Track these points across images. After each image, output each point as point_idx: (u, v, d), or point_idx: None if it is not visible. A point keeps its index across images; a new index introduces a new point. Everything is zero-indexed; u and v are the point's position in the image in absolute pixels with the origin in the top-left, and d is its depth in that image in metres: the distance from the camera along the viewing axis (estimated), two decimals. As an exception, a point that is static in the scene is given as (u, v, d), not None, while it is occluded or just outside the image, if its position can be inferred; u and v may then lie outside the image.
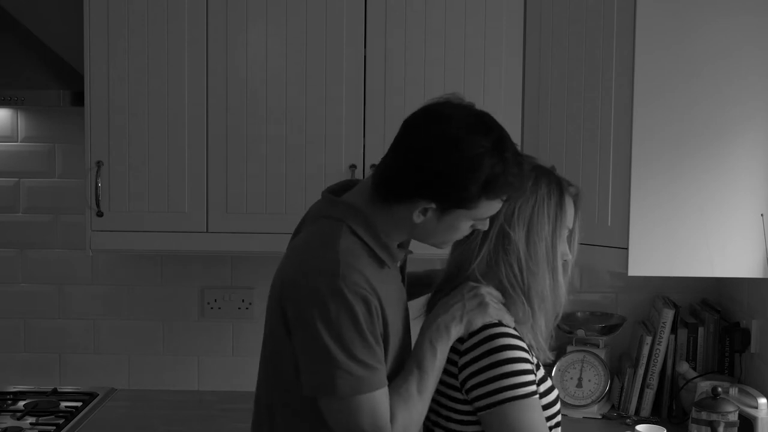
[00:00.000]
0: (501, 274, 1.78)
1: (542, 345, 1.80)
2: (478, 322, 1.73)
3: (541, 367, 1.80)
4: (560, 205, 1.80)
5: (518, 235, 1.77)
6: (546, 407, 1.76)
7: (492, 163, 1.62)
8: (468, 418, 1.74)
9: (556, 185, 1.81)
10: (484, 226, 1.74)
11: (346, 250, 1.65)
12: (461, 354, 1.73)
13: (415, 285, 2.02)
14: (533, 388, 1.70)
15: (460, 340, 1.74)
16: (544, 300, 1.79)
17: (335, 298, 1.61)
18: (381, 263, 1.71)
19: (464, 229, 1.72)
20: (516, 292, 1.78)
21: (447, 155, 1.62)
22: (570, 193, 1.84)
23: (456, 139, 1.62)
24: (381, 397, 1.66)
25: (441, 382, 1.77)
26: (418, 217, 1.68)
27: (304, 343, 1.65)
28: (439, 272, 1.95)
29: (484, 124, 1.67)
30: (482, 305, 1.74)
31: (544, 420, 1.73)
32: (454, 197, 1.65)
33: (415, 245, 1.86)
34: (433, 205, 1.66)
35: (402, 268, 1.86)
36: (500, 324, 1.73)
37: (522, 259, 1.77)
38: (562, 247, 1.81)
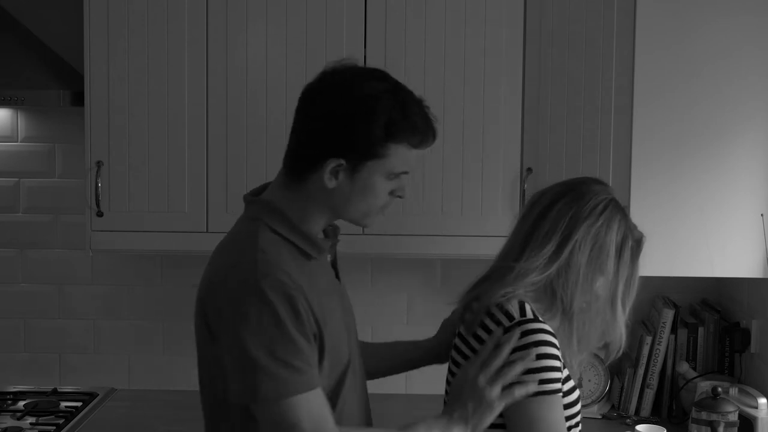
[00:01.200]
0: (553, 279, 1.79)
1: (572, 365, 1.82)
2: (486, 423, 1.72)
3: (565, 367, 1.81)
4: (625, 243, 1.83)
5: (582, 254, 1.78)
6: (567, 406, 1.77)
7: (390, 104, 1.62)
8: None
9: (626, 225, 1.84)
10: (403, 191, 1.71)
11: (264, 248, 1.61)
12: None
13: (430, 354, 2.02)
14: (558, 386, 1.72)
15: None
16: (589, 328, 1.81)
17: (255, 298, 1.55)
18: (306, 255, 1.66)
19: (382, 190, 1.67)
20: (556, 302, 1.79)
21: (342, 101, 1.62)
22: (634, 236, 1.86)
23: (350, 86, 1.64)
24: (314, 399, 1.58)
25: None
26: (330, 181, 1.63)
27: (226, 348, 1.59)
28: (441, 340, 1.97)
29: (378, 73, 1.68)
30: (489, 407, 1.70)
31: (564, 419, 1.74)
32: (359, 145, 1.62)
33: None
34: (343, 162, 1.62)
35: (333, 264, 1.81)
36: (536, 320, 1.74)
37: (580, 276, 1.78)
38: (622, 284, 1.83)
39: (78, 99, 2.70)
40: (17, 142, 3.06)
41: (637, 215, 2.32)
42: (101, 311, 3.11)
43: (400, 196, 1.72)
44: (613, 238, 1.80)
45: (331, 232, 1.79)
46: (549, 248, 1.78)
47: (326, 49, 2.64)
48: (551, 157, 2.56)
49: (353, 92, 1.62)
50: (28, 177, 3.06)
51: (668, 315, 2.76)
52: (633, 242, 1.86)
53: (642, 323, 2.93)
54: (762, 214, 2.34)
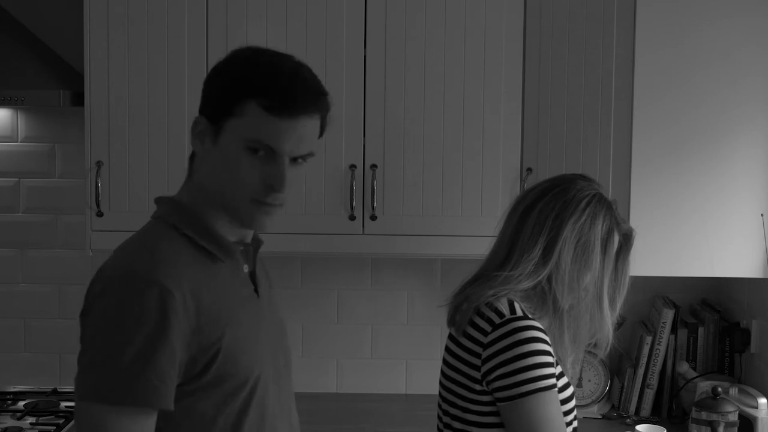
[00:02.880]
0: (542, 278, 1.80)
1: (566, 363, 1.82)
2: None
3: (560, 364, 1.82)
4: (610, 237, 1.83)
5: (567, 252, 1.79)
6: (561, 403, 1.77)
7: (253, 60, 1.51)
8: (486, 409, 1.76)
9: (611, 219, 1.83)
10: (274, 179, 1.47)
11: (156, 246, 1.48)
12: (485, 346, 1.75)
13: None
14: (553, 381, 1.73)
15: (484, 332, 1.75)
16: (579, 325, 1.82)
17: (125, 294, 1.41)
18: (211, 257, 1.51)
19: (241, 163, 1.47)
20: (547, 302, 1.80)
21: (218, 69, 1.54)
22: (622, 230, 1.86)
23: (229, 57, 1.55)
24: (140, 420, 1.39)
25: (461, 373, 1.80)
26: (197, 145, 1.52)
27: (83, 338, 1.48)
28: None
29: (269, 50, 1.56)
30: None
31: (561, 414, 1.75)
32: (214, 98, 1.51)
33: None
34: (204, 120, 1.50)
35: (252, 275, 1.62)
36: (525, 317, 1.75)
37: (567, 275, 1.79)
38: (608, 278, 1.83)
39: (78, 99, 2.70)
40: (17, 142, 3.06)
41: (637, 215, 2.33)
42: (101, 311, 3.10)
43: (271, 186, 1.48)
44: (597, 233, 1.80)
45: (250, 243, 1.62)
46: (536, 252, 1.79)
47: (326, 49, 2.64)
48: (551, 157, 2.56)
49: (230, 60, 1.54)
50: (28, 177, 3.06)
51: (668, 315, 2.76)
52: (621, 237, 1.86)
53: (642, 323, 2.93)
54: (762, 214, 2.34)
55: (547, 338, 1.75)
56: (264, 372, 1.55)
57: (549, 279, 1.79)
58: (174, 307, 1.41)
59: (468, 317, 1.80)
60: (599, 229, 1.81)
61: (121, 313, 1.40)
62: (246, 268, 1.60)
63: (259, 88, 1.47)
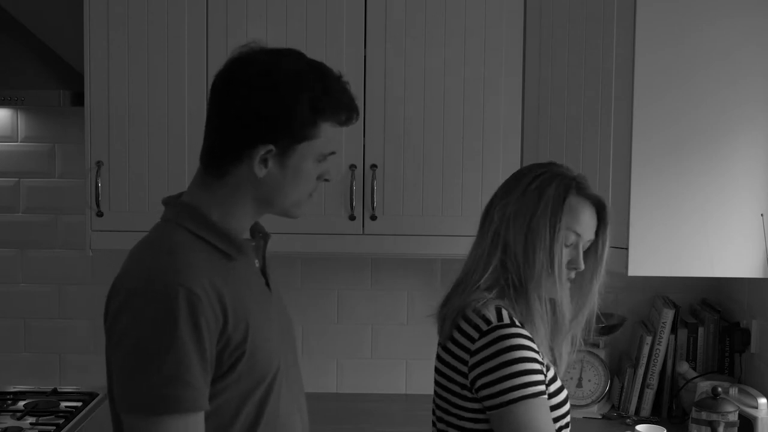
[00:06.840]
0: (501, 276, 1.79)
1: (561, 354, 1.82)
2: None
3: (552, 368, 1.81)
4: (557, 201, 1.77)
5: (517, 239, 1.77)
6: (555, 407, 1.77)
7: (313, 79, 1.53)
8: (479, 416, 1.76)
9: (564, 188, 1.79)
10: (329, 174, 1.60)
11: (174, 250, 1.49)
12: (472, 354, 1.74)
13: None
14: (541, 387, 1.71)
15: (471, 339, 1.75)
16: (541, 310, 1.80)
17: (155, 303, 1.42)
18: (226, 256, 1.53)
19: (312, 175, 1.56)
20: (516, 294, 1.79)
21: (265, 85, 1.50)
22: (591, 199, 1.82)
23: (267, 67, 1.52)
24: (193, 424, 1.43)
25: (451, 381, 1.79)
26: (260, 170, 1.51)
27: (116, 351, 1.47)
28: None
29: (291, 51, 1.58)
30: None
31: (551, 420, 1.74)
32: (288, 127, 1.50)
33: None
34: (272, 148, 1.50)
35: (264, 271, 1.65)
36: (512, 324, 1.74)
37: (520, 263, 1.77)
38: (568, 255, 1.80)
39: (78, 99, 2.70)
40: (17, 142, 3.06)
41: (637, 215, 2.34)
42: (101, 311, 3.08)
43: (327, 180, 1.61)
44: (548, 200, 1.76)
45: (260, 238, 1.66)
46: (486, 239, 1.80)
47: (326, 49, 2.63)
48: (551, 157, 2.55)
49: (272, 73, 1.51)
50: (28, 177, 3.06)
51: (668, 315, 2.76)
52: (580, 201, 1.80)
53: (642, 323, 2.93)
54: (762, 214, 2.34)
55: (534, 345, 1.74)
56: (281, 365, 1.58)
57: (503, 264, 1.78)
58: (202, 309, 1.43)
59: (454, 323, 1.79)
60: (548, 195, 1.76)
61: (152, 321, 1.42)
62: (257, 263, 1.63)
63: (333, 109, 1.53)
